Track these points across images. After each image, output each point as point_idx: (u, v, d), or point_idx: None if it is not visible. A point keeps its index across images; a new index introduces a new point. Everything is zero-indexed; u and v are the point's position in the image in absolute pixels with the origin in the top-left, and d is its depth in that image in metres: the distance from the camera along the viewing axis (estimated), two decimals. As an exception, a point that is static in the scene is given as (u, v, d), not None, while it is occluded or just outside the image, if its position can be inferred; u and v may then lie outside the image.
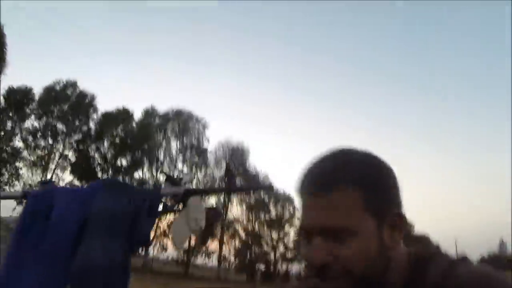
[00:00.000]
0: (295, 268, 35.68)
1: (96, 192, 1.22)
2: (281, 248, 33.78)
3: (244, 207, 31.98)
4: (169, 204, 1.50)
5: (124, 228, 1.16)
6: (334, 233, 0.52)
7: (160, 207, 1.36)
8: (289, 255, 34.19)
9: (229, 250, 31.45)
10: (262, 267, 33.75)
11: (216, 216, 1.96)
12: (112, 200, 1.19)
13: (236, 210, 31.99)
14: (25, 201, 1.26)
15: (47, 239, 1.12)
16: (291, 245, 34.00)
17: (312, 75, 60.25)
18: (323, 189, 0.53)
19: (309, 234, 0.55)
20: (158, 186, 1.63)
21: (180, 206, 1.50)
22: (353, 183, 0.53)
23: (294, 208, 33.53)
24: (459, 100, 61.53)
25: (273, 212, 32.91)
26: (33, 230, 1.14)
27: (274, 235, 33.09)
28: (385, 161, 0.58)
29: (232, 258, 32.24)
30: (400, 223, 0.56)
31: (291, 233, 33.99)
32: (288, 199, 33.30)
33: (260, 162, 66.78)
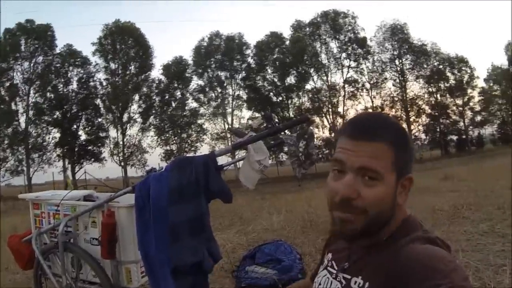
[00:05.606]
0: (487, 131, 33.89)
1: (169, 171, 1.64)
2: (468, 114, 32.12)
3: (422, 81, 30.97)
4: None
5: (198, 190, 1.57)
6: (367, 174, 0.62)
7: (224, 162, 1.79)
8: (478, 118, 32.38)
9: (417, 129, 31.16)
10: (454, 137, 32.75)
11: (309, 139, 2.30)
12: (179, 174, 1.59)
13: (414, 87, 31.24)
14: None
15: (151, 209, 1.60)
16: (477, 107, 32.07)
17: None
18: (366, 137, 0.63)
19: (343, 170, 0.64)
20: (213, 150, 1.97)
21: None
22: (390, 141, 0.63)
23: (471, 69, 31.32)
24: None
25: (451, 78, 31.13)
26: (144, 207, 1.65)
27: (459, 101, 31.53)
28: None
29: (423, 136, 31.91)
30: (409, 186, 0.66)
31: (475, 95, 31.98)
32: (462, 61, 31.12)
33: (423, 33, 63.67)
